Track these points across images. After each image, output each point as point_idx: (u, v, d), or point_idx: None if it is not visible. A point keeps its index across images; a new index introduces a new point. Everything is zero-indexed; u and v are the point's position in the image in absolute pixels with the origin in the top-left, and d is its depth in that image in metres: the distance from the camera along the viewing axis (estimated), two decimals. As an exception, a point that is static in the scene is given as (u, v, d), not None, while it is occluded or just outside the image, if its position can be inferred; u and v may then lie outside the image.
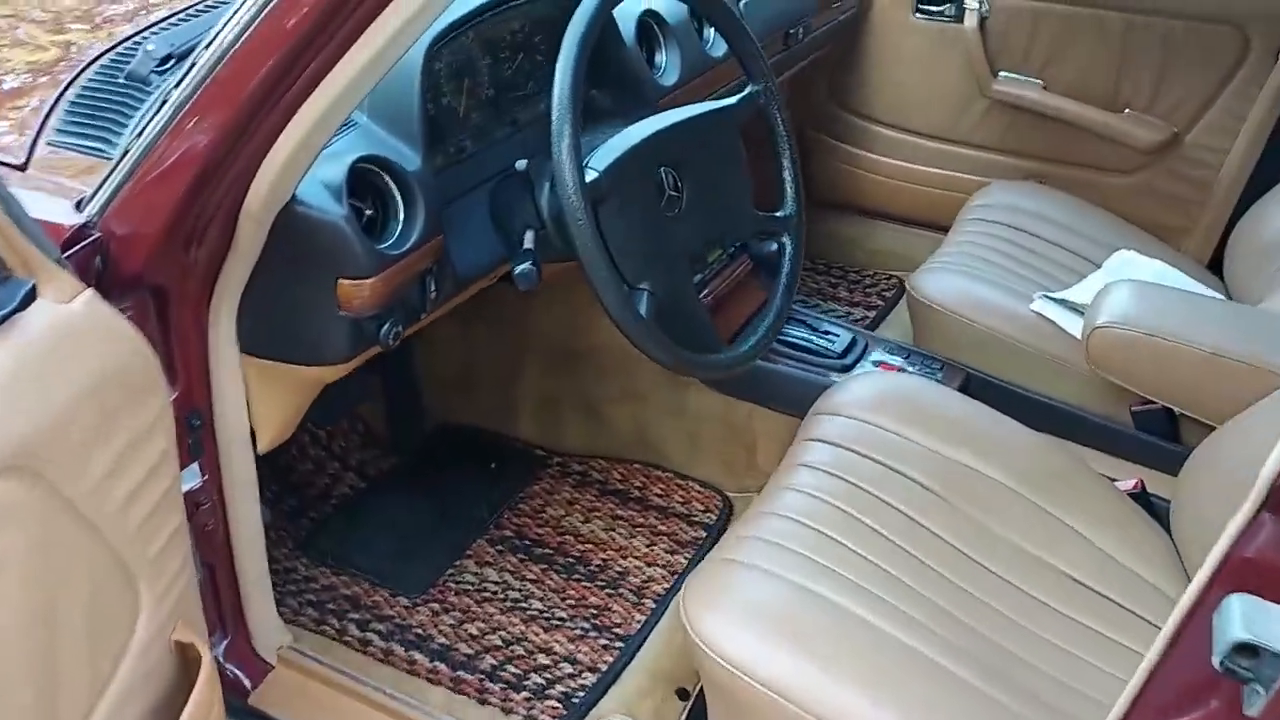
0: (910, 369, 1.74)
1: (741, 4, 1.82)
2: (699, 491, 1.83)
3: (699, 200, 1.33)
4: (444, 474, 1.89)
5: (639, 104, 1.55)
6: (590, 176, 1.17)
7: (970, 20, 2.20)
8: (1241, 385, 1.38)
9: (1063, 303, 1.77)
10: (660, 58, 1.66)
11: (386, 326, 1.19)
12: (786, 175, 1.46)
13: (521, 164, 1.27)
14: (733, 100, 1.40)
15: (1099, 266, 1.95)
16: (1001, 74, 2.23)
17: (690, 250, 1.35)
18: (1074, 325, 1.73)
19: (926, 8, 2.26)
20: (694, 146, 1.34)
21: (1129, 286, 1.55)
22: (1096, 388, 1.66)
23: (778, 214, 1.45)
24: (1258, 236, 1.94)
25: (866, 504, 1.34)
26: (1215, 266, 2.13)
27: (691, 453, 1.86)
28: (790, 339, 1.77)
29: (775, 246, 1.46)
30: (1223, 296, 1.86)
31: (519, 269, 1.24)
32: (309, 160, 1.05)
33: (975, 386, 1.72)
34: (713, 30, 1.76)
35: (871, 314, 2.35)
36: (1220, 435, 1.37)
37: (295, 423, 1.31)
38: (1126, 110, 2.15)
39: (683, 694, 1.50)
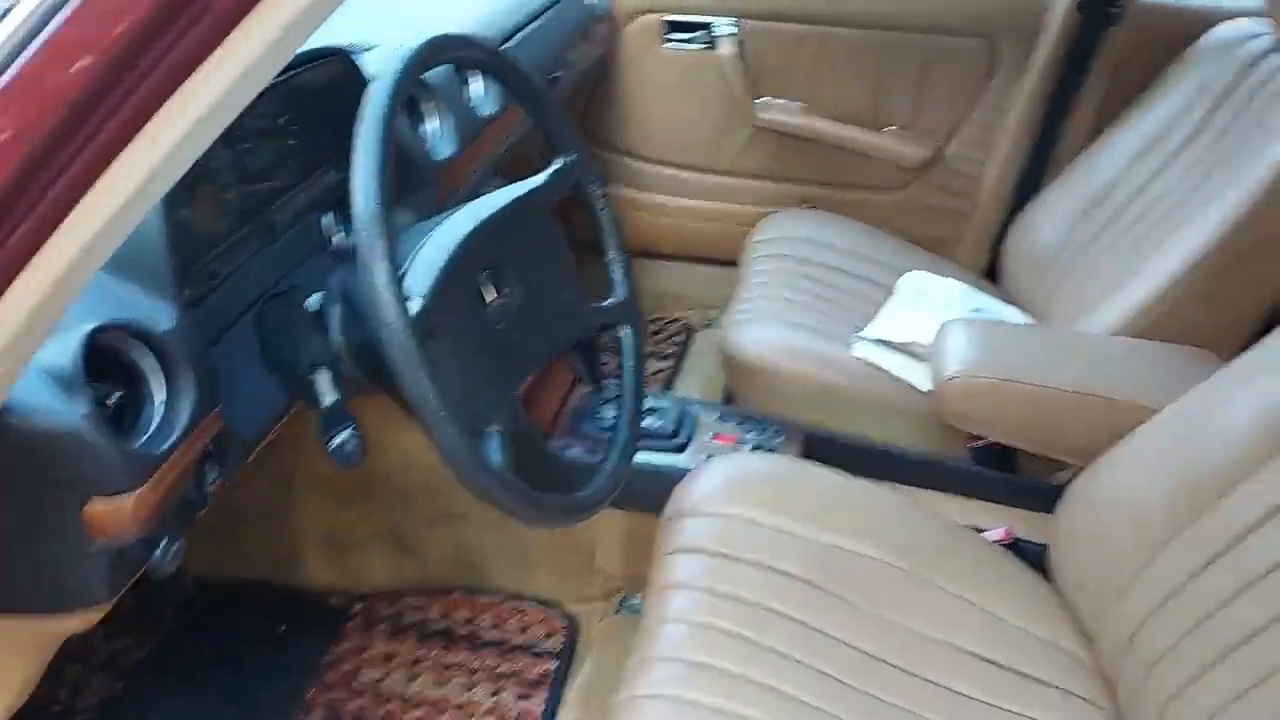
0: (748, 436, 1.60)
1: (504, 48, 1.60)
2: (537, 612, 1.59)
3: (528, 304, 1.11)
4: (220, 650, 1.53)
5: (417, 185, 1.30)
6: (415, 307, 0.92)
7: (724, 47, 2.10)
8: (1103, 421, 1.34)
9: (880, 343, 1.69)
10: (428, 127, 1.41)
11: (161, 547, 0.87)
12: (613, 255, 1.26)
13: (313, 301, 0.99)
14: (542, 179, 1.18)
15: (891, 290, 1.91)
16: (761, 99, 2.15)
17: (529, 366, 1.12)
18: (897, 365, 1.66)
19: (676, 37, 2.14)
20: (512, 241, 1.11)
21: (966, 329, 1.48)
22: (933, 428, 1.60)
23: (608, 302, 1.25)
24: (1028, 245, 1.96)
25: (755, 620, 1.20)
26: (990, 274, 2.16)
27: (521, 569, 1.62)
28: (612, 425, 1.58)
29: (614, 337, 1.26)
30: (1025, 317, 1.86)
31: (337, 442, 0.96)
32: (49, 323, 0.67)
33: (817, 445, 1.61)
34: (479, 86, 1.53)
35: (666, 364, 2.21)
36: (1093, 474, 1.32)
37: (36, 681, 0.95)
38: (888, 128, 2.13)
39: None
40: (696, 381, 2.11)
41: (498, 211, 1.09)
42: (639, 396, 1.24)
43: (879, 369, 1.66)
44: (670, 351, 2.24)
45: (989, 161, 2.09)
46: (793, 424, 1.63)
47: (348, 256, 1.07)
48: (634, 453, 1.19)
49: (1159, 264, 1.52)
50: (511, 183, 1.21)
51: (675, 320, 2.34)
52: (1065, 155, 2.00)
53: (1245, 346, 1.49)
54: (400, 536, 1.61)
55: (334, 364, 1.05)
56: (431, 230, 1.05)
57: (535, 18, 1.74)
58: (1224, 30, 1.76)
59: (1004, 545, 1.45)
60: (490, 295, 1.07)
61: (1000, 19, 1.98)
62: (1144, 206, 1.72)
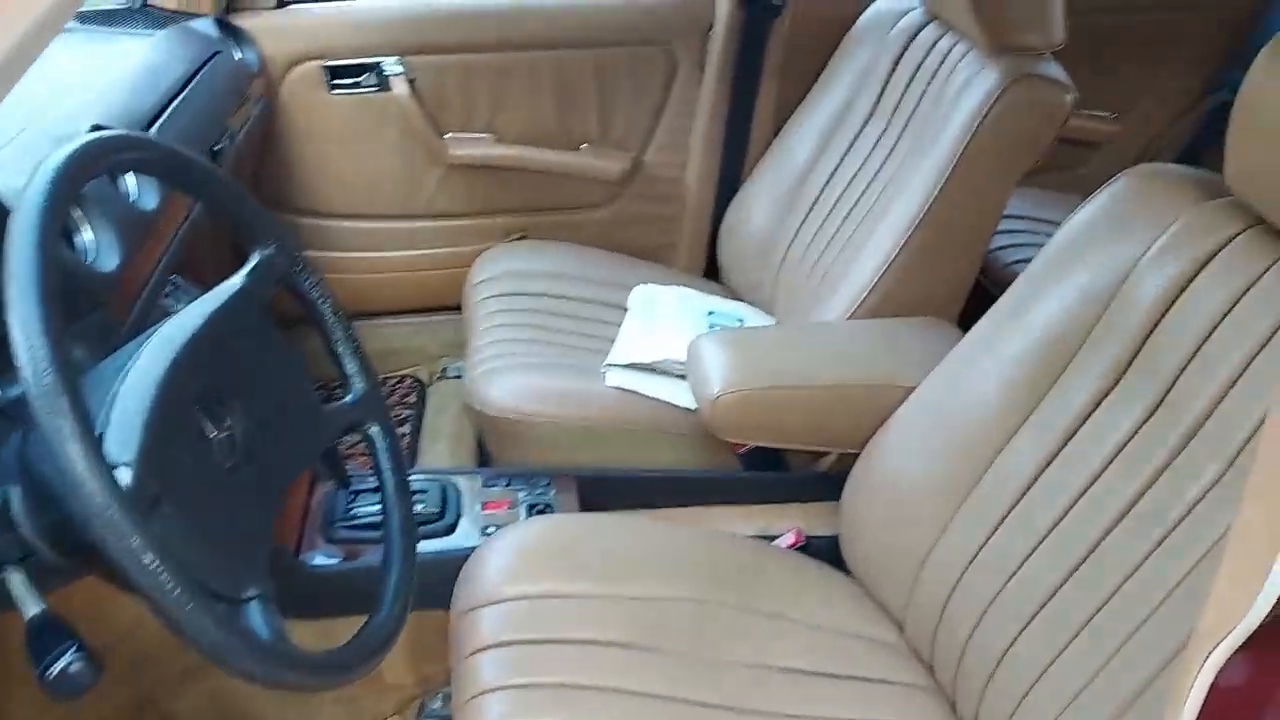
0: (520, 497, 1.50)
1: (154, 131, 1.38)
2: (330, 748, 1.41)
3: (258, 429, 0.94)
4: None
5: (85, 310, 1.08)
6: (126, 478, 0.74)
7: (397, 87, 1.96)
8: (867, 407, 1.36)
9: (631, 367, 1.65)
10: (84, 238, 1.18)
11: None
12: (342, 347, 1.11)
13: None
14: (239, 281, 1.01)
15: (624, 308, 1.87)
16: (449, 135, 2.04)
17: (273, 502, 0.96)
18: (652, 387, 1.62)
19: (341, 83, 1.97)
20: (222, 361, 0.94)
21: (718, 343, 1.45)
22: (701, 443, 1.57)
23: (347, 399, 1.11)
24: (741, 239, 1.99)
25: (579, 703, 1.11)
26: (712, 272, 2.18)
27: (300, 705, 1.43)
28: (373, 519, 1.42)
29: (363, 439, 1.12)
30: (756, 311, 1.88)
31: (56, 669, 0.76)
32: None
33: (591, 488, 1.54)
34: (131, 179, 1.31)
35: (404, 430, 2.05)
36: (867, 460, 1.34)
37: None
38: (584, 146, 2.08)
39: None
40: (444, 444, 1.97)
41: (197, 332, 0.92)
42: (406, 503, 1.10)
43: (636, 394, 1.61)
44: (405, 415, 2.08)
45: (688, 164, 2.10)
46: (562, 471, 1.54)
47: (16, 416, 0.86)
48: (414, 568, 1.06)
49: (876, 244, 1.56)
50: (198, 282, 1.04)
51: (403, 379, 2.18)
52: (757, 148, 2.05)
53: (970, 307, 1.59)
54: (141, 708, 1.37)
55: (26, 558, 0.84)
56: (123, 371, 0.86)
57: (182, 87, 1.53)
58: (877, 9, 1.85)
59: (799, 548, 1.44)
60: (212, 430, 0.90)
61: (671, 24, 1.99)
62: (843, 188, 1.78)
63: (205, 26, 1.78)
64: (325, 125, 2.00)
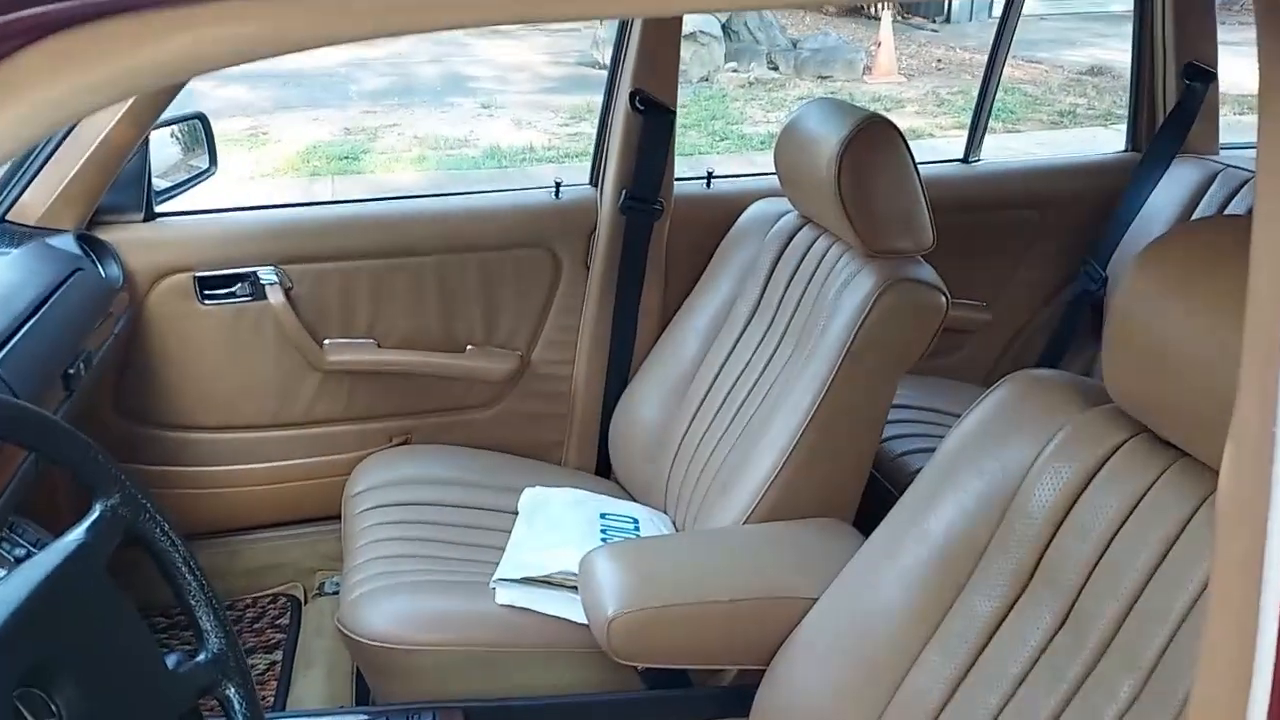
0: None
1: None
2: None
3: (97, 706, 0.83)
4: None
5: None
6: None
7: (274, 295, 1.91)
8: (769, 620, 1.30)
9: (523, 581, 1.56)
10: None
11: None
12: (193, 600, 1.01)
13: None
14: (77, 536, 0.91)
15: (515, 513, 1.80)
16: (328, 341, 1.98)
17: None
18: (545, 603, 1.53)
19: (213, 293, 1.90)
20: (55, 631, 0.83)
21: (610, 560, 1.39)
22: (601, 659, 1.48)
23: (201, 659, 0.99)
24: (630, 436, 1.96)
25: None
26: (602, 468, 2.13)
27: None
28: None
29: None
30: (648, 510, 1.83)
31: None
32: None
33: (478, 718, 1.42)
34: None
35: (274, 657, 1.89)
36: (773, 678, 1.27)
37: None
38: (469, 348, 2.04)
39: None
40: (319, 672, 1.82)
41: (22, 603, 0.81)
42: None
43: (529, 612, 1.52)
44: (277, 640, 1.92)
45: (576, 361, 2.08)
46: (445, 705, 1.42)
47: None
48: None
49: (768, 444, 1.54)
50: (48, 516, 0.93)
51: (276, 598, 2.03)
52: (644, 344, 2.04)
53: (865, 503, 1.57)
54: None
55: None
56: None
57: (35, 310, 1.44)
58: (755, 210, 1.90)
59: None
60: (42, 713, 0.78)
61: (554, 227, 2.00)
62: (730, 385, 1.78)
63: (65, 243, 1.70)
64: (195, 336, 1.92)
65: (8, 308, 1.40)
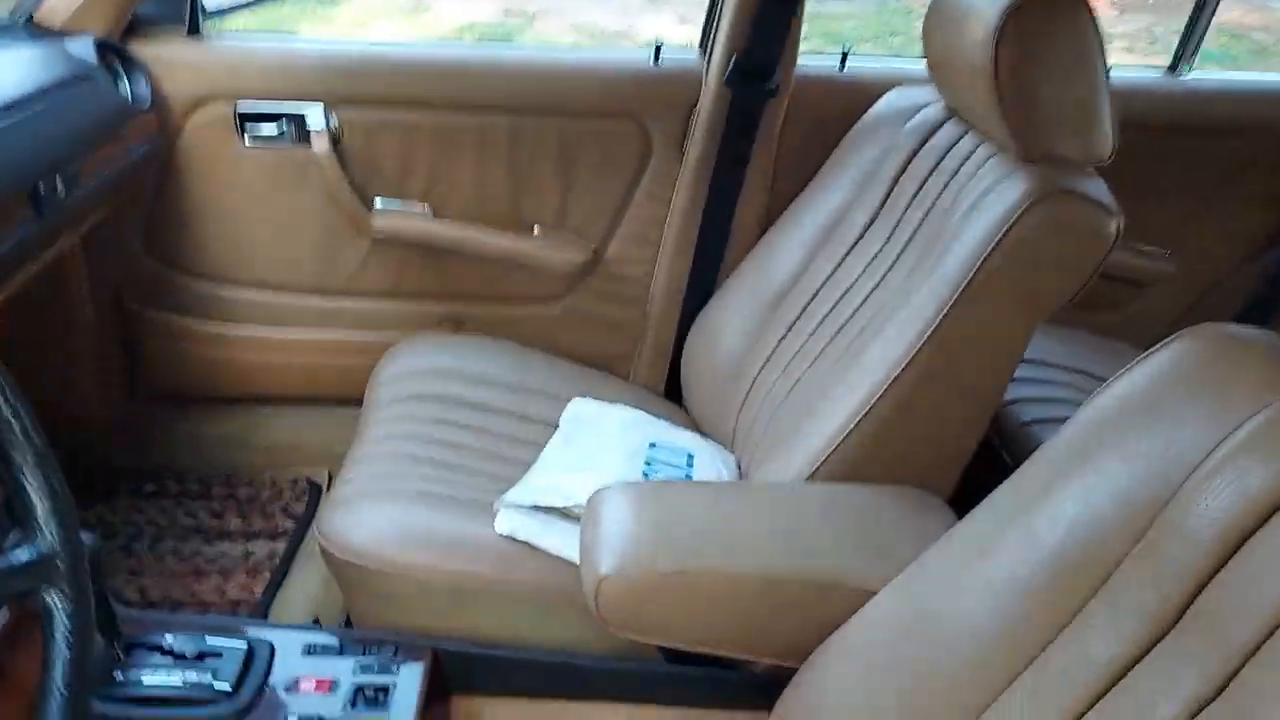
0: (348, 669, 1.13)
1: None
2: None
3: None
4: None
5: None
6: None
7: (319, 143, 1.66)
8: (807, 611, 0.99)
9: (532, 509, 1.29)
10: None
11: None
12: (26, 477, 0.77)
13: None
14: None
15: (555, 426, 1.53)
16: (379, 203, 1.73)
17: None
18: (552, 538, 1.26)
19: (255, 131, 1.67)
20: None
21: (623, 502, 1.10)
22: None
23: (21, 557, 0.76)
24: (708, 358, 1.65)
25: None
26: (673, 391, 1.84)
27: None
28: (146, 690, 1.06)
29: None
30: (713, 447, 1.53)
31: None
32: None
33: (450, 665, 1.17)
34: None
35: (280, 545, 1.70)
36: (804, 683, 0.97)
37: None
38: (536, 230, 1.76)
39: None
40: (315, 572, 1.62)
41: None
42: (75, 699, 0.75)
43: (530, 548, 1.25)
44: (285, 527, 1.73)
45: (658, 262, 1.77)
46: (413, 641, 1.18)
47: None
48: None
49: (851, 383, 1.21)
50: None
51: (297, 479, 1.84)
52: (736, 252, 1.72)
53: (975, 472, 1.23)
54: None
55: None
56: None
57: (10, 109, 1.23)
58: (892, 99, 1.53)
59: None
60: None
61: (650, 98, 1.68)
62: (826, 312, 1.45)
63: (83, 49, 1.49)
64: (233, 179, 1.70)
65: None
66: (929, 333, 1.14)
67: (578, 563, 1.22)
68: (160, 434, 1.84)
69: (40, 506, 0.76)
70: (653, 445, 1.49)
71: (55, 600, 0.75)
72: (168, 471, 1.82)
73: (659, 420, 1.58)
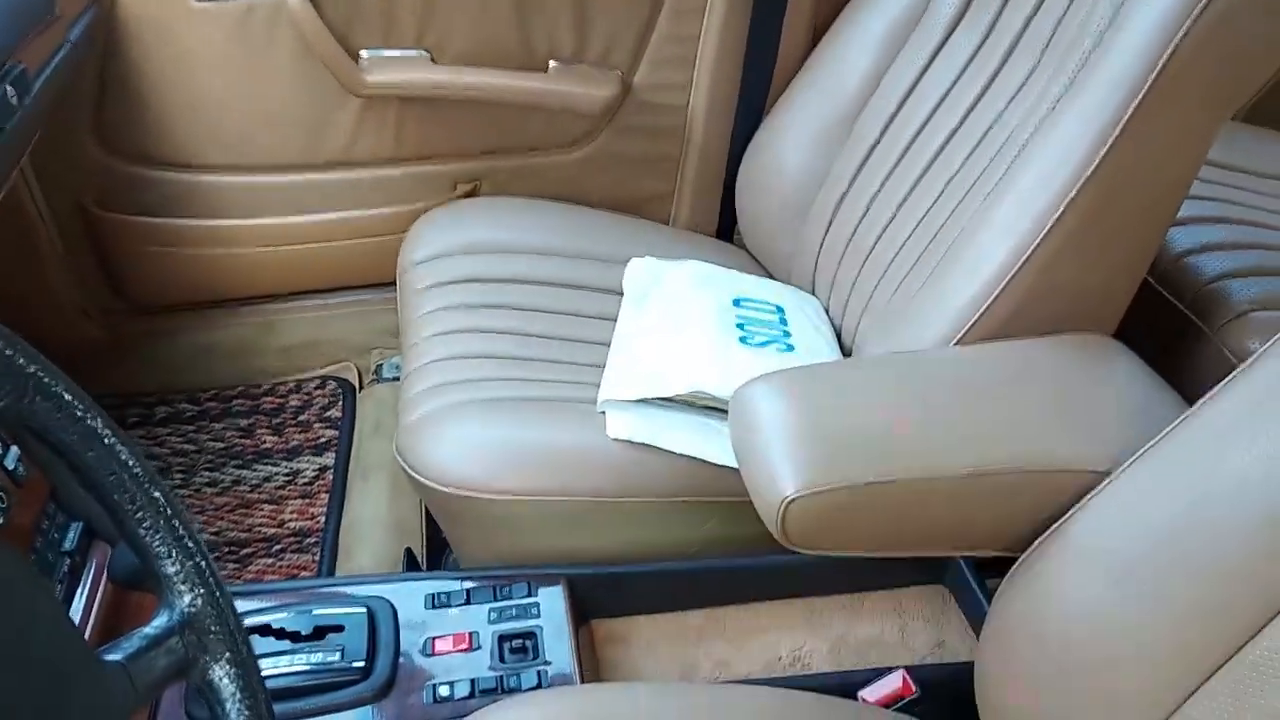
0: (485, 618, 1.01)
1: None
2: None
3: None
4: None
5: None
6: None
7: (288, -14, 1.38)
8: (1026, 502, 0.87)
9: (641, 403, 1.14)
10: None
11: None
12: (146, 527, 0.59)
13: None
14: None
15: (614, 293, 1.37)
16: (365, 55, 1.47)
17: None
18: (678, 436, 1.12)
19: (209, -18, 1.38)
20: None
21: (771, 394, 0.93)
22: (753, 514, 1.08)
23: (161, 623, 0.59)
24: (765, 196, 1.47)
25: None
26: (724, 231, 1.67)
27: None
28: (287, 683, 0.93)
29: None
30: (800, 296, 1.37)
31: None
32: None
33: (588, 590, 1.06)
34: None
35: (328, 460, 1.53)
36: (1029, 573, 0.86)
37: None
38: (552, 64, 1.52)
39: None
40: (379, 488, 1.46)
41: None
42: None
43: (650, 448, 1.11)
44: (328, 438, 1.56)
45: (693, 85, 1.55)
46: (544, 572, 1.06)
47: None
48: None
49: (995, 227, 1.04)
50: None
51: (324, 382, 1.66)
52: (789, 62, 1.50)
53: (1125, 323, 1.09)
54: None
55: None
56: None
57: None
58: None
59: (905, 706, 0.97)
60: None
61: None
62: (918, 126, 1.26)
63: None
64: (190, 44, 1.42)
65: None
66: (1100, 158, 0.97)
67: (709, 459, 1.09)
68: (159, 351, 1.63)
69: (172, 556, 0.59)
70: (737, 302, 1.33)
71: (222, 673, 0.59)
72: (176, 392, 1.62)
73: (729, 271, 1.42)
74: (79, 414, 0.54)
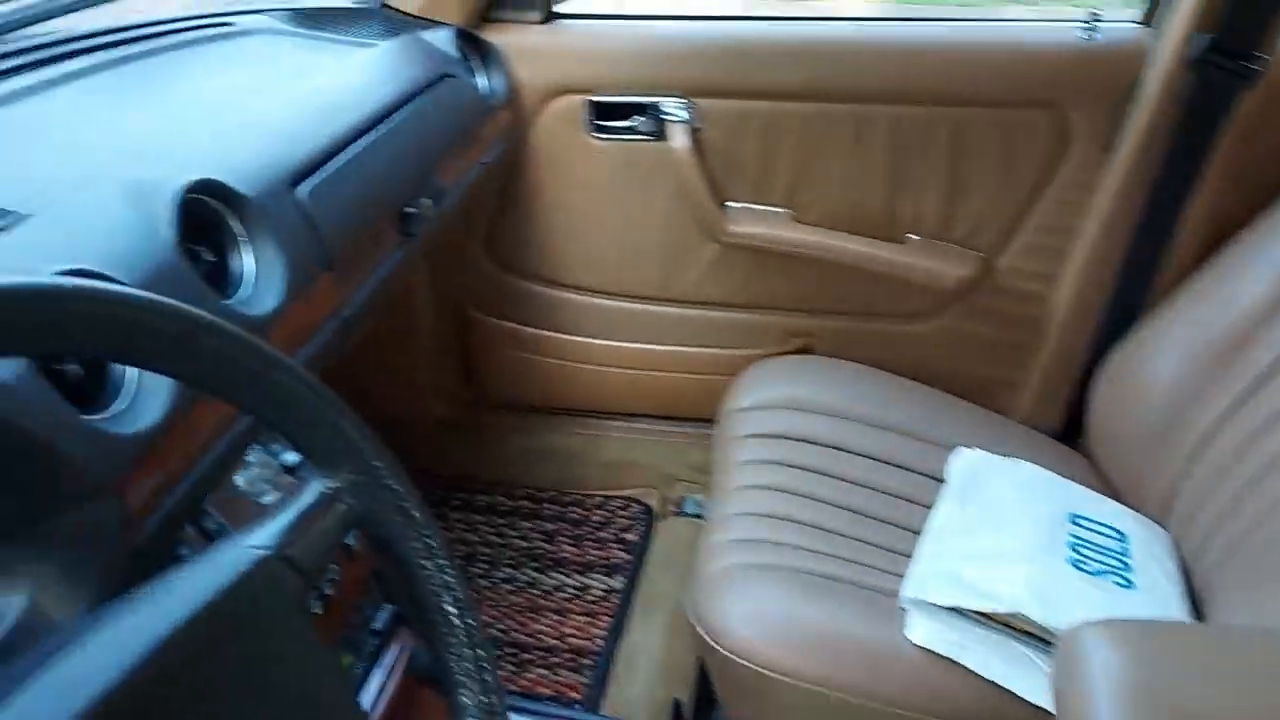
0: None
1: (308, 191, 0.94)
2: None
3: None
4: None
5: (75, 499, 0.65)
6: None
7: (677, 137, 1.47)
8: None
9: (950, 611, 1.06)
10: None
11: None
12: (452, 650, 0.61)
13: None
14: (276, 533, 0.53)
15: (936, 479, 1.29)
16: (731, 205, 1.53)
17: None
18: (989, 659, 1.02)
19: (607, 125, 1.51)
20: (207, 684, 0.47)
21: (1111, 646, 0.82)
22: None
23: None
24: (1127, 405, 1.34)
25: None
26: (1066, 434, 1.54)
27: None
28: None
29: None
30: (1152, 530, 1.24)
31: None
32: None
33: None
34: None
35: (615, 581, 1.56)
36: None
37: None
38: (909, 238, 1.50)
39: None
40: (658, 627, 1.47)
41: (164, 638, 0.45)
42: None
43: (954, 665, 1.02)
44: (620, 561, 1.59)
45: (1063, 278, 1.47)
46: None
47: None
48: None
49: None
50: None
51: (628, 503, 1.70)
52: (1178, 271, 1.39)
53: None
54: None
55: None
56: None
57: (377, 122, 1.11)
58: None
59: None
60: None
61: (1073, 82, 1.37)
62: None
63: (443, 39, 1.37)
64: (577, 175, 1.55)
65: (338, 116, 1.07)
66: None
67: (1017, 692, 0.99)
68: (494, 444, 1.75)
69: (469, 678, 0.60)
70: (1074, 519, 1.22)
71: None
72: (499, 484, 1.73)
73: (1067, 482, 1.30)
74: (424, 533, 0.58)
